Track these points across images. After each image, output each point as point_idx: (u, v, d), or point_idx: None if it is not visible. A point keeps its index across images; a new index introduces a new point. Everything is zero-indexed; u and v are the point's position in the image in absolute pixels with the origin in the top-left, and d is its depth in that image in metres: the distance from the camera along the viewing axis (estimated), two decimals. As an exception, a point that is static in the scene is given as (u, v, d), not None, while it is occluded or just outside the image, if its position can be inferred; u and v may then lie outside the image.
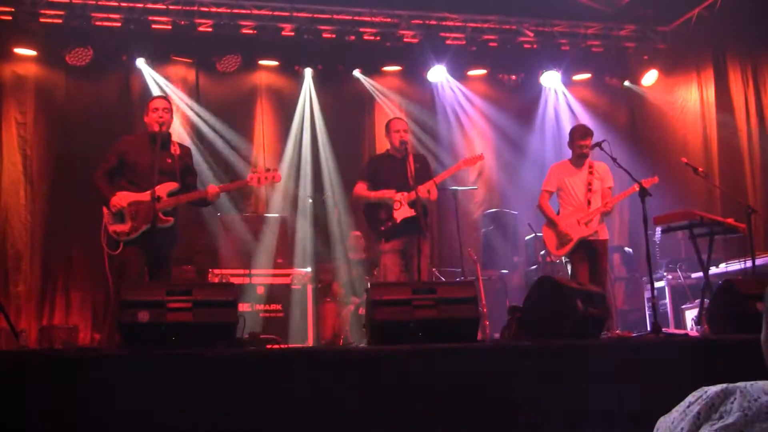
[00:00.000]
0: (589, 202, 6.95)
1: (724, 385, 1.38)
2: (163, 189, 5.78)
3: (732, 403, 1.33)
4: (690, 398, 1.40)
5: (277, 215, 9.41)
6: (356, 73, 10.48)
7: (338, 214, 9.31)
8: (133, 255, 5.71)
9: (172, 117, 6.12)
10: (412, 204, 6.51)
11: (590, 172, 7.05)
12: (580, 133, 7.09)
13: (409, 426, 4.19)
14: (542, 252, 9.04)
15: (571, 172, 7.10)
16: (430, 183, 6.70)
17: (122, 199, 5.74)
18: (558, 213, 7.09)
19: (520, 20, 10.41)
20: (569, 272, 7.06)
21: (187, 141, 9.23)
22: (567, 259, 7.07)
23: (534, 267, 9.33)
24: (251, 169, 6.31)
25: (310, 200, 9.49)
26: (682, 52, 10.67)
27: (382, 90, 10.62)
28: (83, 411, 3.82)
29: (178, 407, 3.95)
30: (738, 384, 1.38)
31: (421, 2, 10.07)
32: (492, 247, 9.83)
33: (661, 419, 1.44)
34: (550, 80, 10.86)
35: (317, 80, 10.43)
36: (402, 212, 6.57)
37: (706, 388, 1.39)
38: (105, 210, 5.81)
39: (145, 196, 5.69)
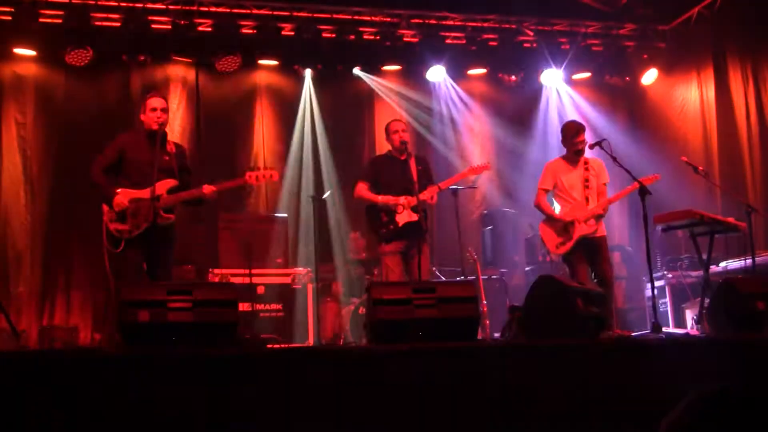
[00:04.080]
0: (587, 199, 6.91)
1: (723, 385, 1.38)
2: (163, 186, 5.77)
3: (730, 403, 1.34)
4: (689, 397, 1.41)
5: (277, 215, 9.40)
6: (356, 71, 10.47)
7: (338, 213, 9.31)
8: (133, 254, 5.71)
9: (168, 115, 6.12)
10: (414, 209, 6.53)
11: (585, 169, 7.01)
12: (572, 130, 7.04)
13: (409, 425, 4.19)
14: (543, 251, 9.05)
15: (566, 169, 7.05)
16: (435, 188, 6.74)
17: (124, 197, 5.73)
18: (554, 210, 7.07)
19: (519, 19, 10.41)
20: (568, 271, 7.03)
21: (187, 140, 9.27)
22: (565, 259, 7.01)
23: (534, 266, 9.33)
24: (248, 167, 6.31)
25: (311, 200, 9.49)
26: (682, 51, 10.67)
27: (386, 86, 10.60)
28: (83, 411, 3.83)
29: (179, 407, 3.95)
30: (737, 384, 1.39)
31: (420, 2, 10.06)
32: (492, 246, 9.83)
33: (664, 420, 1.44)
34: (551, 79, 10.86)
35: (317, 80, 10.43)
36: (404, 216, 6.61)
37: (705, 388, 1.40)
38: (105, 207, 5.78)
39: (145, 193, 5.68)
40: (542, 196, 7.08)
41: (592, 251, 6.83)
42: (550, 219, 6.98)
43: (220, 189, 6.04)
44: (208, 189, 5.91)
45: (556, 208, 7.07)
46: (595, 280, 6.70)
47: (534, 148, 10.91)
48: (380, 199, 6.73)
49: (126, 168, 5.89)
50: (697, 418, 1.36)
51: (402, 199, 6.64)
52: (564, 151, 7.15)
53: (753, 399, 1.33)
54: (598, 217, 6.89)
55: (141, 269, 5.79)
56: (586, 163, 7.02)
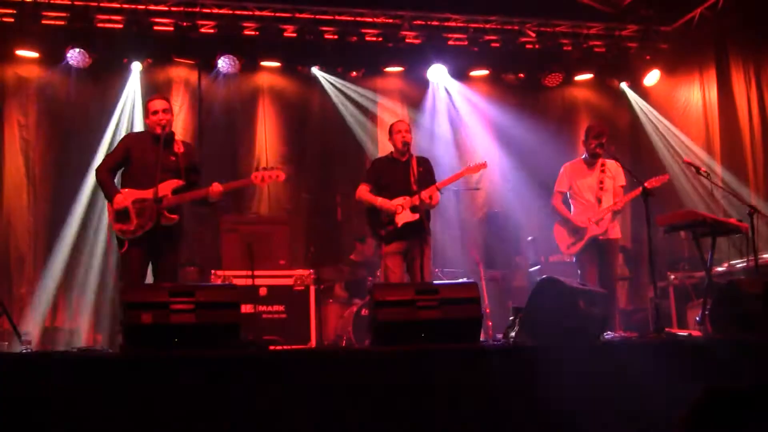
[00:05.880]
0: (600, 201, 6.96)
1: (728, 387, 1.38)
2: (168, 186, 5.78)
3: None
4: (700, 396, 1.41)
5: (279, 216, 9.40)
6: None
7: (340, 215, 9.30)
8: (137, 254, 5.71)
9: (173, 115, 6.12)
10: (414, 209, 6.53)
11: (602, 171, 7.06)
12: (595, 131, 7.08)
13: (412, 426, 4.19)
14: (545, 252, 9.05)
15: (583, 171, 7.12)
16: (433, 188, 6.72)
17: (126, 197, 5.73)
18: (570, 211, 7.11)
19: (522, 20, 10.40)
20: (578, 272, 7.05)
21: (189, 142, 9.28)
22: (577, 259, 7.07)
23: (536, 267, 9.32)
24: (254, 168, 6.31)
25: (313, 201, 9.50)
26: (685, 52, 10.66)
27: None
28: (86, 413, 3.83)
29: (181, 408, 3.95)
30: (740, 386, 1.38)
31: (422, 3, 10.06)
32: (494, 247, 9.82)
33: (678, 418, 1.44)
34: (553, 81, 10.85)
35: (319, 80, 10.43)
36: (404, 217, 6.61)
37: (714, 386, 1.40)
38: (109, 208, 5.80)
39: (149, 193, 5.67)
40: (558, 198, 7.16)
41: (601, 253, 6.88)
42: (563, 219, 7.03)
43: (227, 189, 6.05)
44: (216, 188, 5.91)
45: (571, 208, 7.13)
46: (600, 281, 6.72)
47: (536, 149, 10.91)
48: (379, 201, 6.73)
49: (131, 168, 5.91)
50: (708, 415, 1.36)
51: (401, 200, 6.64)
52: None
53: (761, 396, 1.33)
54: (615, 214, 6.93)
55: (145, 270, 5.79)
56: (603, 165, 7.07)
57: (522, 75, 10.91)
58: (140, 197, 5.71)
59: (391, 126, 7.05)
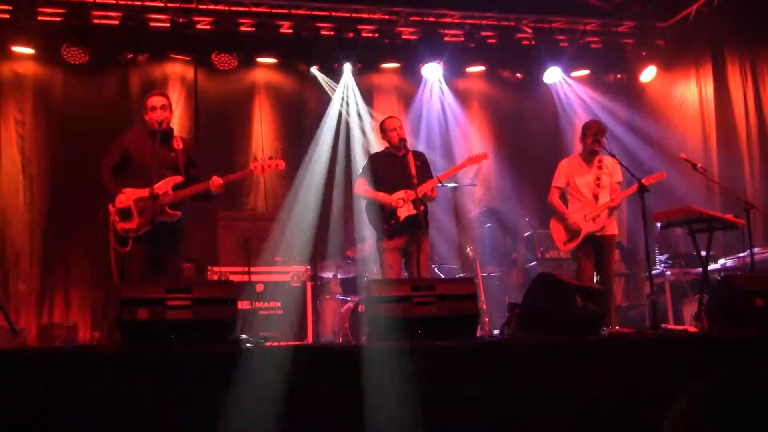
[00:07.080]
0: (596, 197, 6.96)
1: (721, 376, 1.38)
2: (168, 183, 5.78)
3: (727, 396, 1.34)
4: (690, 388, 1.41)
5: (276, 212, 9.40)
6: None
7: (337, 210, 9.29)
8: (140, 252, 5.71)
9: (171, 112, 6.11)
10: (414, 203, 6.52)
11: (599, 167, 7.06)
12: (593, 128, 7.08)
13: (409, 422, 4.19)
14: (541, 248, 9.05)
15: (580, 167, 7.11)
16: (434, 181, 6.71)
17: (128, 196, 5.73)
18: (567, 208, 7.12)
19: (518, 17, 10.41)
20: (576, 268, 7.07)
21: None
22: (573, 255, 7.08)
23: (533, 263, 9.33)
24: (253, 159, 6.30)
25: (310, 197, 9.49)
26: (681, 48, 10.67)
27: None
28: (82, 410, 3.83)
29: (178, 405, 3.95)
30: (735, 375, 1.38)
31: (419, -1, 10.08)
32: (491, 243, 9.83)
33: (668, 410, 1.44)
34: (550, 76, 10.84)
35: (315, 76, 10.42)
36: (405, 210, 6.59)
37: (705, 379, 1.40)
38: (111, 208, 5.80)
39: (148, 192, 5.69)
40: (555, 194, 7.15)
41: (598, 249, 6.89)
42: (560, 216, 7.03)
43: (227, 181, 6.05)
44: (216, 181, 5.91)
45: (567, 204, 7.13)
46: (597, 277, 6.74)
47: (532, 145, 10.92)
48: (380, 196, 6.71)
49: (131, 167, 5.90)
50: (699, 407, 1.36)
51: (401, 193, 6.62)
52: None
53: (751, 388, 1.33)
54: (612, 210, 6.95)
55: (147, 267, 5.78)
56: (600, 161, 7.07)
57: (520, 71, 10.90)
58: (142, 196, 5.71)
59: (384, 124, 6.99)
